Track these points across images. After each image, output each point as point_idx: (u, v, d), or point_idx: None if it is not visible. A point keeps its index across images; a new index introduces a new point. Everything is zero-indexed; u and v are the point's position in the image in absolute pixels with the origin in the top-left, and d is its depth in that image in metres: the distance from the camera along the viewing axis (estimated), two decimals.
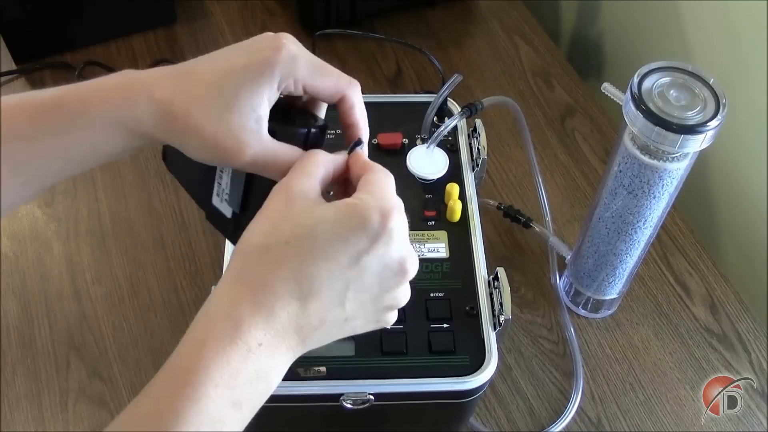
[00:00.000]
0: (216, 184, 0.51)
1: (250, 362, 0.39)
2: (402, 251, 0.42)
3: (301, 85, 0.46)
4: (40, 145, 0.45)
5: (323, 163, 0.45)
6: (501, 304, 0.63)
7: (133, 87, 0.45)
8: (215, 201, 0.51)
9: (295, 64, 0.45)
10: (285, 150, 0.46)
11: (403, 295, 0.45)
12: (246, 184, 0.50)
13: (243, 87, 0.43)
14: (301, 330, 0.40)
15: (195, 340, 0.40)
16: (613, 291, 0.82)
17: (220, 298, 0.41)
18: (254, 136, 0.44)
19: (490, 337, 0.62)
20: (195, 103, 0.44)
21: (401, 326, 0.62)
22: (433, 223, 0.69)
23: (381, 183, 0.44)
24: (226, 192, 0.50)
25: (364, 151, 0.49)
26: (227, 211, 0.50)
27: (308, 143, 0.48)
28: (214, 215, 0.52)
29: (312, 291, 0.40)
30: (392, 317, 0.46)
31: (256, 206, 0.44)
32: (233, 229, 0.50)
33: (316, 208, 0.41)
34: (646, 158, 0.65)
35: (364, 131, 0.50)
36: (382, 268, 0.42)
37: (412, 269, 0.43)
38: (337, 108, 0.50)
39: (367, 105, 0.78)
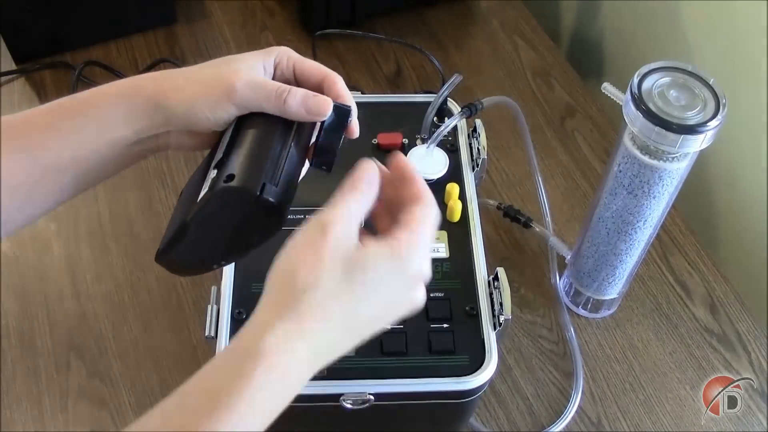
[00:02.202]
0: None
1: (300, 383, 0.43)
2: (424, 294, 0.47)
3: (292, 62, 0.53)
4: (52, 132, 0.49)
5: (365, 199, 0.47)
6: (501, 304, 0.63)
7: (136, 79, 0.51)
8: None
9: (288, 51, 0.54)
10: (266, 81, 0.50)
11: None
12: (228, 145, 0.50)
13: (246, 54, 0.52)
14: (335, 351, 0.45)
15: (245, 365, 0.41)
16: (613, 291, 0.82)
17: (272, 328, 0.42)
18: (246, 70, 0.50)
19: (490, 337, 0.62)
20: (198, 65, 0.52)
21: (401, 326, 0.62)
22: None
23: (425, 226, 0.46)
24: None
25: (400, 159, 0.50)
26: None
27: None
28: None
29: (354, 327, 0.45)
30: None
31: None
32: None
33: (365, 252, 0.44)
34: (646, 158, 0.65)
35: (350, 101, 0.54)
36: (408, 306, 0.47)
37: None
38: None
39: (367, 105, 0.78)
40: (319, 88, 0.53)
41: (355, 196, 0.46)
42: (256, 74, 0.51)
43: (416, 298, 0.47)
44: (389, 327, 0.47)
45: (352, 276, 0.43)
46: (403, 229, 0.45)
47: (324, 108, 0.50)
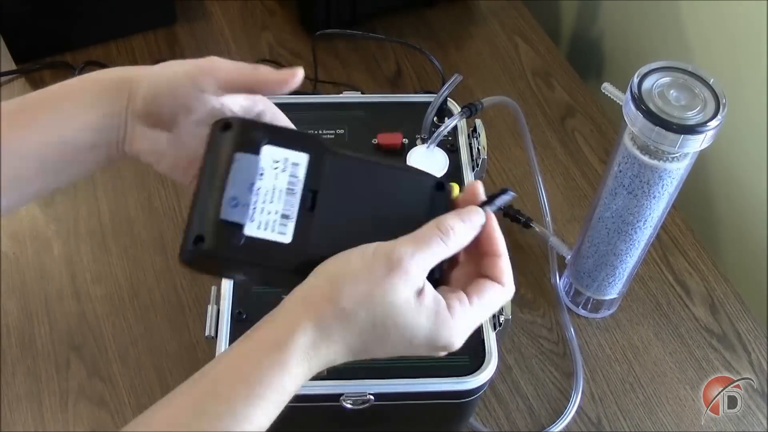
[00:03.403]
0: (254, 211, 0.45)
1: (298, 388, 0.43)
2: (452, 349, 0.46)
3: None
4: (16, 125, 0.48)
5: (448, 252, 0.44)
6: None
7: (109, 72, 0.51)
8: (252, 231, 0.44)
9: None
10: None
11: None
12: (312, 201, 0.45)
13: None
14: (329, 365, 0.45)
15: (277, 354, 0.42)
16: (613, 291, 0.82)
17: (305, 328, 0.42)
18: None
19: (490, 337, 0.62)
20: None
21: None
22: None
23: (486, 306, 0.45)
24: (276, 216, 0.45)
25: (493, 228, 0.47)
26: (279, 238, 0.44)
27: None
28: (244, 248, 0.44)
29: (365, 355, 0.45)
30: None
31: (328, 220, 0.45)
32: (296, 256, 0.45)
33: (412, 310, 0.43)
34: (646, 158, 0.65)
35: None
36: (428, 354, 0.45)
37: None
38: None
39: (367, 105, 0.79)
40: None
41: (444, 241, 0.44)
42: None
43: (435, 354, 0.46)
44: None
45: (387, 326, 0.43)
46: (461, 299, 0.44)
47: (297, 76, 0.48)
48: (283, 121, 0.52)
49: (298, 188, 0.45)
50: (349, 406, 0.60)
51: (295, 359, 0.42)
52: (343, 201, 0.46)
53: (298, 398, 0.48)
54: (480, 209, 0.46)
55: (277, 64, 1.06)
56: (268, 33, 1.11)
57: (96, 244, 0.88)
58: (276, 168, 0.45)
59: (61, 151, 0.49)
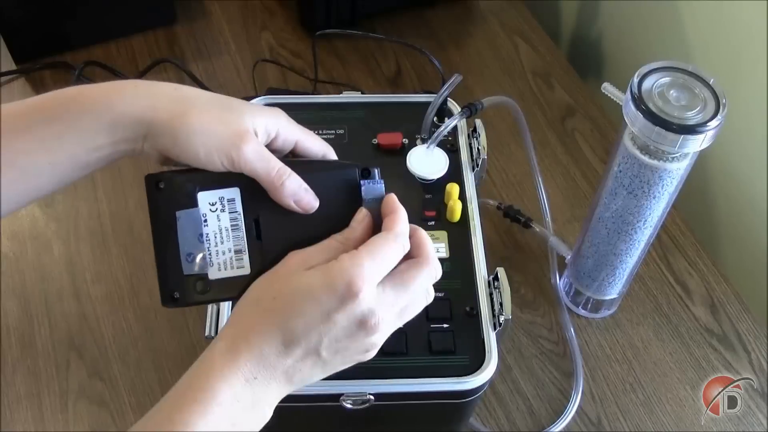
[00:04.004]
0: (210, 257, 0.49)
1: (247, 391, 0.45)
2: (367, 311, 0.46)
3: (294, 140, 0.53)
4: (30, 135, 0.48)
5: (337, 243, 0.49)
6: (501, 304, 0.63)
7: (124, 84, 0.50)
8: (215, 275, 0.49)
9: (294, 127, 0.53)
10: (272, 157, 0.49)
11: (376, 342, 0.49)
12: (256, 233, 0.49)
13: (256, 108, 0.52)
14: (286, 371, 0.46)
15: (202, 368, 0.45)
16: (613, 291, 0.82)
17: (223, 337, 0.46)
18: (253, 134, 0.49)
19: (490, 337, 0.62)
20: (200, 98, 0.50)
21: (402, 328, 0.62)
22: (433, 223, 0.69)
23: (373, 248, 0.47)
24: (230, 253, 0.49)
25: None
26: (239, 272, 0.49)
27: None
28: (213, 291, 0.50)
29: (292, 340, 0.45)
30: (370, 355, 0.50)
31: (275, 246, 0.48)
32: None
33: (305, 273, 0.46)
34: (646, 158, 0.65)
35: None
36: (349, 323, 0.46)
37: (379, 326, 0.47)
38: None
39: (367, 105, 0.79)
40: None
41: (333, 239, 0.49)
42: (261, 139, 0.50)
43: (357, 316, 0.47)
44: (345, 344, 0.48)
45: (284, 292, 0.46)
46: (350, 252, 0.47)
47: (310, 208, 0.50)
48: (310, 144, 0.54)
49: (241, 222, 0.49)
50: (349, 406, 0.60)
51: (216, 370, 0.44)
52: (284, 217, 0.49)
53: (298, 398, 0.48)
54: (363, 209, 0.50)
55: (278, 64, 1.06)
56: (268, 33, 1.11)
57: (96, 244, 0.88)
58: (215, 210, 0.49)
59: (73, 165, 0.49)
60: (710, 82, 0.62)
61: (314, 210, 0.50)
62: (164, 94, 0.49)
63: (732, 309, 0.86)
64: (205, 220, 0.49)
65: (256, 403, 0.45)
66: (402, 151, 0.73)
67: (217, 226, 0.49)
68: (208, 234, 0.49)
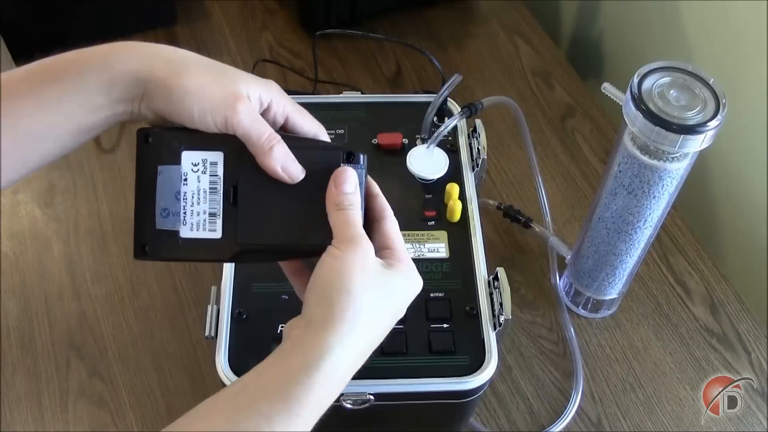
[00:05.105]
0: (184, 215, 0.50)
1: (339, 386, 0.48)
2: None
3: (287, 113, 0.53)
4: (31, 99, 0.48)
5: (356, 215, 0.51)
6: (501, 304, 0.63)
7: (123, 44, 0.50)
8: (186, 233, 0.50)
9: (286, 98, 0.54)
10: (265, 123, 0.50)
11: None
12: (233, 198, 0.50)
13: (248, 76, 0.51)
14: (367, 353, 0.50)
15: (324, 371, 0.46)
16: (613, 291, 0.82)
17: (327, 350, 0.46)
18: (246, 97, 0.50)
19: (490, 337, 0.62)
20: (197, 61, 0.51)
21: (401, 326, 0.62)
22: (433, 223, 0.69)
23: (402, 245, 0.53)
24: (204, 215, 0.50)
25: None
26: (210, 235, 0.50)
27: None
28: (182, 249, 0.51)
29: (384, 331, 0.51)
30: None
31: (251, 210, 0.49)
32: (230, 248, 0.50)
33: (406, 285, 0.51)
34: (646, 158, 0.65)
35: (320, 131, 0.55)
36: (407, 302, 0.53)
37: None
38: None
39: (367, 105, 0.79)
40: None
41: (356, 213, 0.50)
42: (255, 106, 0.51)
43: (414, 297, 0.53)
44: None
45: (390, 292, 0.50)
46: (396, 250, 0.51)
47: (296, 177, 0.50)
48: (297, 116, 0.54)
49: (220, 186, 0.50)
50: (349, 406, 0.60)
51: (325, 375, 0.45)
52: (262, 188, 0.50)
53: None
54: (345, 167, 0.51)
55: (278, 64, 1.06)
56: (268, 33, 1.11)
57: (96, 244, 0.88)
58: (197, 171, 0.50)
59: (73, 128, 0.49)
60: (710, 82, 0.62)
61: (299, 180, 0.50)
62: (161, 55, 0.50)
63: (732, 309, 0.86)
64: (185, 180, 0.50)
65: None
66: (402, 151, 0.73)
67: (196, 187, 0.50)
68: (185, 193, 0.50)
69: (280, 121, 0.53)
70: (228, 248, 0.50)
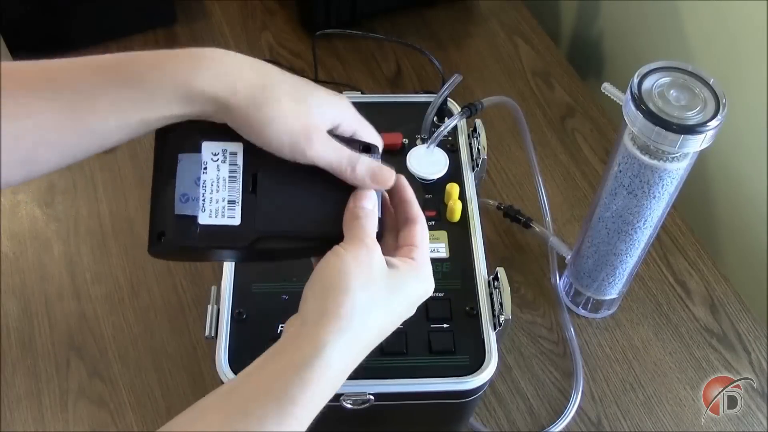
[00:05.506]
0: (203, 202, 0.50)
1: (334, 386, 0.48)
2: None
3: (353, 129, 0.54)
4: (103, 98, 0.48)
5: (372, 222, 0.51)
6: (501, 304, 0.63)
7: (202, 57, 0.49)
8: (205, 220, 0.50)
9: (354, 113, 0.55)
10: (341, 147, 0.51)
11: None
12: (252, 185, 0.50)
13: (326, 97, 0.52)
14: (366, 350, 0.50)
15: (318, 370, 0.45)
16: (613, 291, 0.82)
17: (322, 347, 0.46)
18: (323, 127, 0.51)
19: (490, 337, 0.62)
20: (279, 86, 0.50)
21: (401, 326, 0.62)
22: (433, 223, 0.69)
23: (426, 244, 0.53)
24: (224, 202, 0.50)
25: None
26: (229, 221, 0.50)
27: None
28: (201, 236, 0.50)
29: (386, 331, 0.51)
30: None
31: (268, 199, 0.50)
32: (248, 235, 0.50)
33: (410, 283, 0.51)
34: (646, 158, 0.65)
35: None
36: (419, 303, 0.53)
37: None
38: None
39: (367, 105, 0.78)
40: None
41: (371, 223, 0.51)
42: (327, 127, 0.51)
43: (423, 299, 0.53)
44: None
45: (393, 292, 0.49)
46: (415, 249, 0.52)
47: (389, 179, 0.53)
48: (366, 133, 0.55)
49: (239, 174, 0.50)
50: (349, 406, 0.60)
51: (319, 374, 0.45)
52: (280, 177, 0.51)
53: None
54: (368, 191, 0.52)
55: (278, 64, 1.06)
56: (268, 33, 1.11)
57: (96, 244, 0.88)
58: (216, 160, 0.50)
59: (142, 128, 0.49)
60: (710, 82, 0.62)
61: (393, 183, 0.53)
62: (245, 78, 0.49)
63: (732, 309, 0.86)
64: (205, 168, 0.50)
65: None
66: (402, 151, 0.73)
67: (216, 176, 0.50)
68: (205, 180, 0.50)
69: (348, 134, 0.54)
70: (246, 235, 0.50)
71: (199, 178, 0.50)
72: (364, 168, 0.51)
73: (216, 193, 0.50)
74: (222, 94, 0.48)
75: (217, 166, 0.50)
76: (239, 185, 0.50)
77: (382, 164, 0.52)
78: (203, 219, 0.49)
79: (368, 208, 0.51)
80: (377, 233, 0.51)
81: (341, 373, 0.47)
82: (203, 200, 0.50)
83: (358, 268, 0.48)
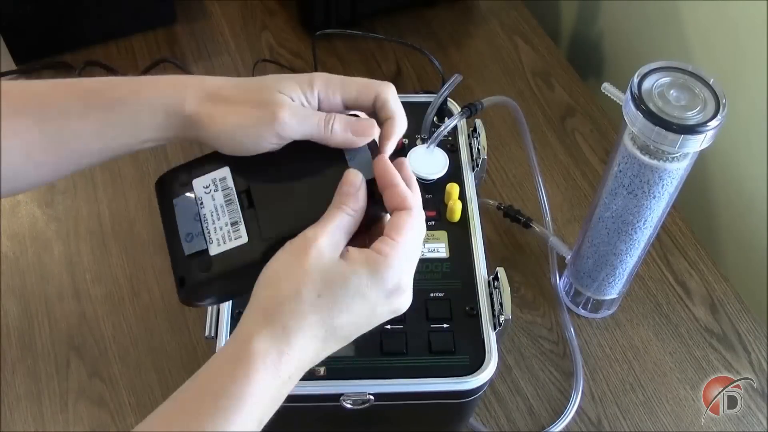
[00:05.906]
0: (208, 233, 0.51)
1: (282, 389, 0.45)
2: (406, 300, 0.48)
3: (335, 90, 0.51)
4: (86, 122, 0.49)
5: (350, 217, 0.48)
6: (501, 304, 0.63)
7: (185, 80, 0.51)
8: (215, 250, 0.51)
9: (328, 78, 0.52)
10: (312, 113, 0.49)
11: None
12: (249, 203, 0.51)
13: (287, 78, 0.51)
14: (316, 359, 0.47)
15: (239, 371, 0.44)
16: (613, 291, 0.82)
17: (260, 336, 0.44)
18: (288, 102, 0.49)
19: (490, 337, 0.62)
20: (241, 84, 0.50)
21: (401, 326, 0.62)
22: (433, 223, 0.69)
23: (408, 236, 0.47)
24: (227, 227, 0.51)
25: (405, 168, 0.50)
26: (237, 242, 0.50)
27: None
28: (216, 263, 0.51)
29: (335, 335, 0.46)
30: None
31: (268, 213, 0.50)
32: (259, 247, 0.50)
33: (348, 267, 0.46)
34: (646, 158, 0.65)
35: (399, 124, 0.52)
36: (389, 312, 0.48)
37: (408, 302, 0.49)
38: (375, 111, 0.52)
39: None
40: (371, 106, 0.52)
41: (342, 210, 0.47)
42: (299, 103, 0.50)
43: (397, 307, 0.48)
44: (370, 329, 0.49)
45: (331, 290, 0.45)
46: (384, 242, 0.46)
47: (369, 128, 0.50)
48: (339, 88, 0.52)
49: (234, 196, 0.51)
50: (349, 406, 0.60)
51: (257, 368, 0.43)
52: (272, 184, 0.51)
53: (298, 398, 0.48)
54: (352, 170, 0.49)
55: (278, 64, 1.06)
56: (268, 33, 1.11)
57: (96, 244, 0.88)
58: (209, 191, 0.52)
59: (123, 150, 0.51)
60: (710, 82, 0.62)
61: (375, 135, 0.50)
62: (212, 93, 0.50)
63: (732, 309, 0.86)
64: (202, 203, 0.51)
65: (284, 395, 0.46)
66: (402, 151, 0.73)
67: (213, 205, 0.51)
68: (204, 214, 0.51)
69: (337, 104, 0.51)
70: (257, 247, 0.50)
71: (197, 214, 0.51)
72: (341, 125, 0.49)
73: (218, 221, 0.51)
74: (196, 116, 0.49)
75: (212, 196, 0.51)
76: (236, 206, 0.51)
77: (361, 117, 0.50)
78: (213, 249, 0.50)
79: (343, 195, 0.48)
80: (368, 222, 0.48)
81: (281, 367, 0.44)
82: (207, 232, 0.51)
83: (290, 257, 0.46)
